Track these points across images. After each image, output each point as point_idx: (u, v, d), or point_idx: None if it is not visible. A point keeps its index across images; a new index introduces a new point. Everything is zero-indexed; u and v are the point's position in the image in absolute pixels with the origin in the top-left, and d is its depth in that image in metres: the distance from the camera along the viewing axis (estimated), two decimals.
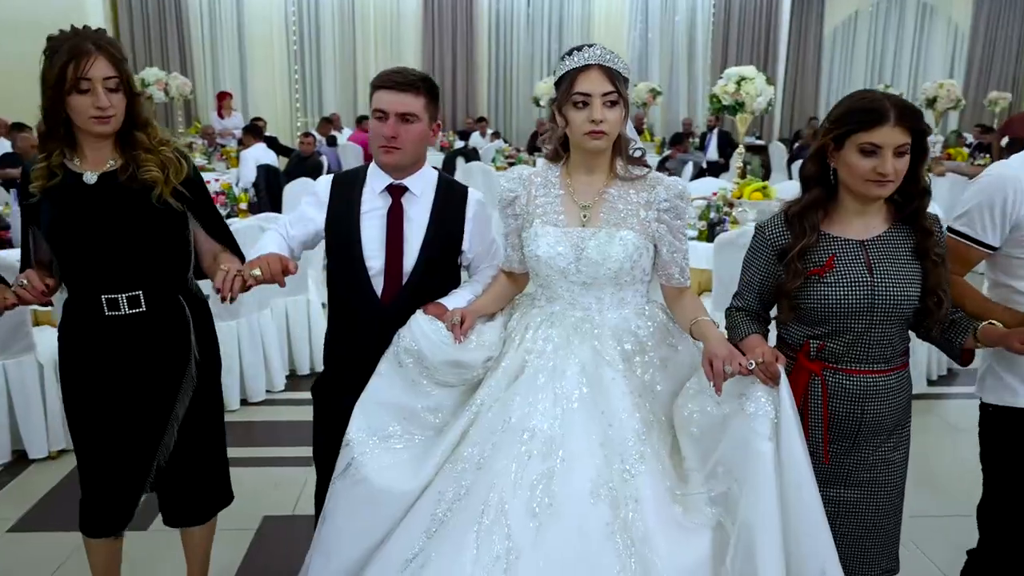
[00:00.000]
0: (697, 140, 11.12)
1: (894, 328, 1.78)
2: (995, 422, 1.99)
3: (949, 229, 1.96)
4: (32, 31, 11.01)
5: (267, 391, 4.18)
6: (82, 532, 2.16)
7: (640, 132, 11.93)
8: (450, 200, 2.12)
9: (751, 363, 1.65)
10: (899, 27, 14.35)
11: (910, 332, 1.88)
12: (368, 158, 2.24)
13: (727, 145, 10.35)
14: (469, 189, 2.18)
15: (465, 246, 2.14)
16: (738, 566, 1.61)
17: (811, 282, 1.75)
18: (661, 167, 8.21)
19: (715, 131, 11.18)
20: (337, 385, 2.14)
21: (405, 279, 2.06)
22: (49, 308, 3.35)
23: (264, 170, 6.95)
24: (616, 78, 1.81)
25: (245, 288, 1.86)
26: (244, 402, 4.08)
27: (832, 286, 1.74)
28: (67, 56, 1.83)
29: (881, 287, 1.73)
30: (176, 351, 2.08)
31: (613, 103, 1.80)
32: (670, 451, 1.79)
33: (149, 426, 2.09)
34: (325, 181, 2.17)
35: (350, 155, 9.66)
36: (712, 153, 10.72)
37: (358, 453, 1.90)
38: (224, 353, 3.84)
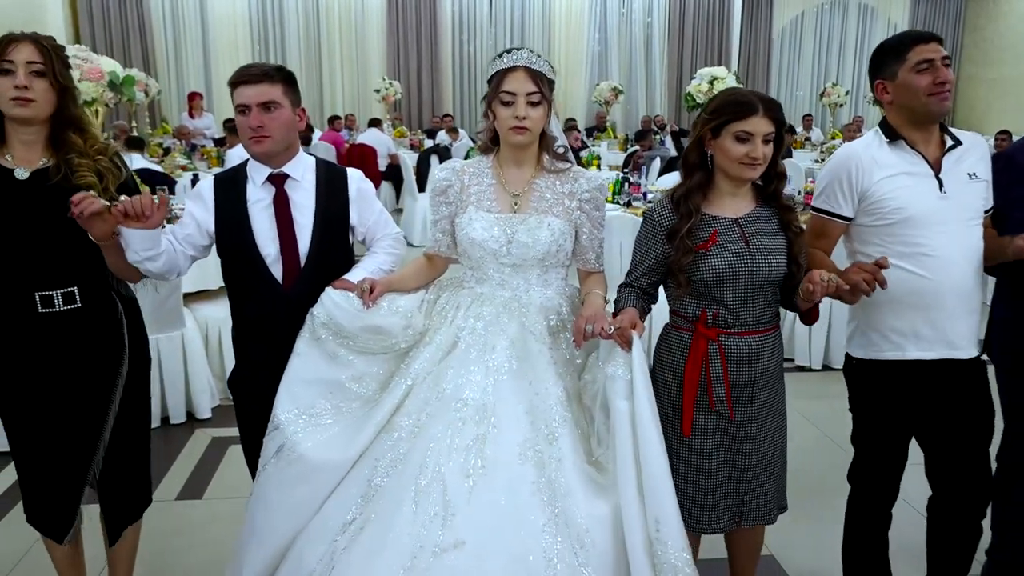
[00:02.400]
0: (660, 136, 11.52)
1: (770, 292, 2.01)
2: (859, 372, 2.22)
3: (811, 207, 2.22)
4: None
5: None
6: (29, 522, 2.17)
7: (603, 130, 12.33)
8: (331, 180, 2.19)
9: (611, 328, 1.83)
10: (843, 27, 15.02)
11: None
12: (342, 158, 2.34)
13: (680, 142, 10.79)
14: (347, 169, 2.26)
15: (354, 221, 2.22)
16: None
17: (698, 256, 1.95)
18: (629, 163, 8.59)
19: (667, 129, 11.63)
20: (253, 377, 2.17)
21: (302, 262, 2.11)
22: None
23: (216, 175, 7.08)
24: (540, 80, 1.96)
25: (103, 211, 1.85)
26: None
27: (717, 258, 1.95)
28: None
29: (758, 256, 1.96)
30: (110, 347, 2.10)
31: (536, 103, 1.95)
32: (587, 424, 1.96)
33: (87, 423, 2.08)
34: (207, 183, 2.18)
35: (322, 154, 9.80)
36: (669, 150, 11.15)
37: (290, 433, 1.95)
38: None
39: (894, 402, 2.17)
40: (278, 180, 2.12)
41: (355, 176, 2.24)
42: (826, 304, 4.43)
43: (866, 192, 2.09)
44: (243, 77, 2.06)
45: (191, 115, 10.61)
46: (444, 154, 9.83)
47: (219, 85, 12.98)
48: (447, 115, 12.56)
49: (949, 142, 2.12)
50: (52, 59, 1.95)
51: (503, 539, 1.72)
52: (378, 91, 12.27)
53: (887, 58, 2.11)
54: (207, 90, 12.66)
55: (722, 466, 2.02)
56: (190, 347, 3.84)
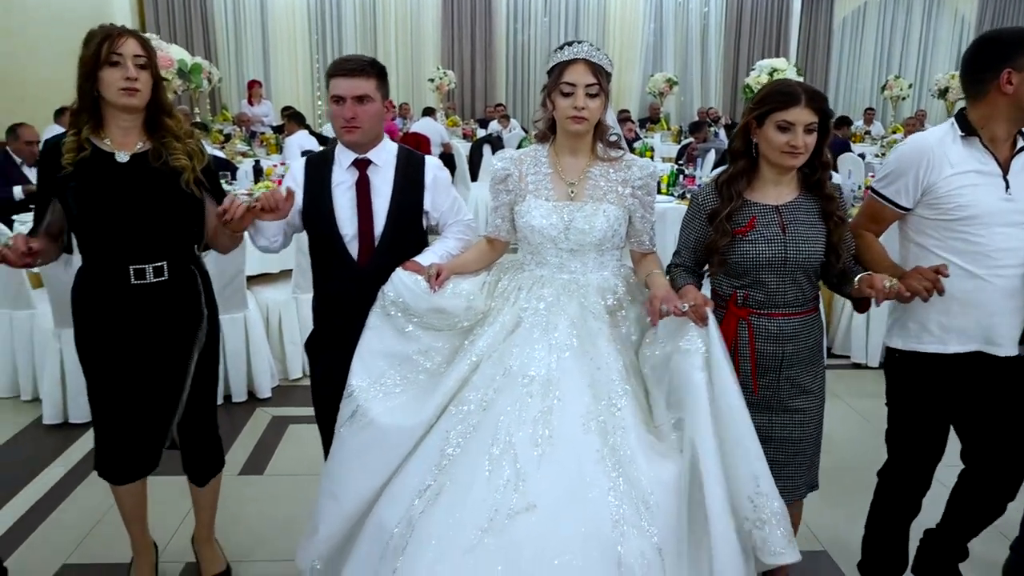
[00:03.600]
0: (714, 129, 11.39)
1: (804, 278, 2.07)
2: (900, 365, 2.24)
3: (871, 189, 2.24)
4: (61, 23, 11.38)
5: None
6: (106, 480, 2.34)
7: (656, 121, 12.22)
8: (410, 168, 2.33)
9: (684, 306, 1.91)
10: (907, 18, 14.61)
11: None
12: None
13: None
14: (426, 157, 2.39)
15: (427, 207, 2.35)
16: (686, 481, 1.88)
17: (736, 240, 2.05)
18: (682, 155, 8.53)
19: (720, 121, 11.48)
20: (327, 341, 2.37)
21: (377, 242, 2.27)
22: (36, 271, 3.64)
23: (307, 155, 7.24)
24: (599, 72, 2.04)
25: (247, 211, 2.10)
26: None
27: (752, 243, 2.04)
28: (102, 36, 2.06)
29: (792, 244, 2.04)
30: (190, 315, 2.28)
31: (594, 94, 2.03)
32: (645, 396, 2.04)
33: (170, 384, 2.27)
34: (299, 163, 2.38)
35: None
36: (724, 142, 11.02)
37: (362, 400, 2.08)
38: (301, 322, 4.17)
39: (933, 394, 2.18)
40: (361, 165, 2.28)
41: (432, 164, 2.37)
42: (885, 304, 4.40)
43: (932, 187, 2.09)
44: (340, 70, 2.20)
45: (250, 102, 10.84)
46: (496, 143, 9.86)
47: (277, 73, 13.24)
48: (499, 105, 12.59)
49: (1020, 143, 2.09)
50: (152, 52, 2.12)
51: (572, 503, 1.80)
52: (432, 80, 12.36)
53: (1006, 46, 2.02)
54: (265, 78, 12.91)
55: None
56: (252, 329, 3.95)
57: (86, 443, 3.49)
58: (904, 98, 12.79)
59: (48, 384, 3.65)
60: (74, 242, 2.24)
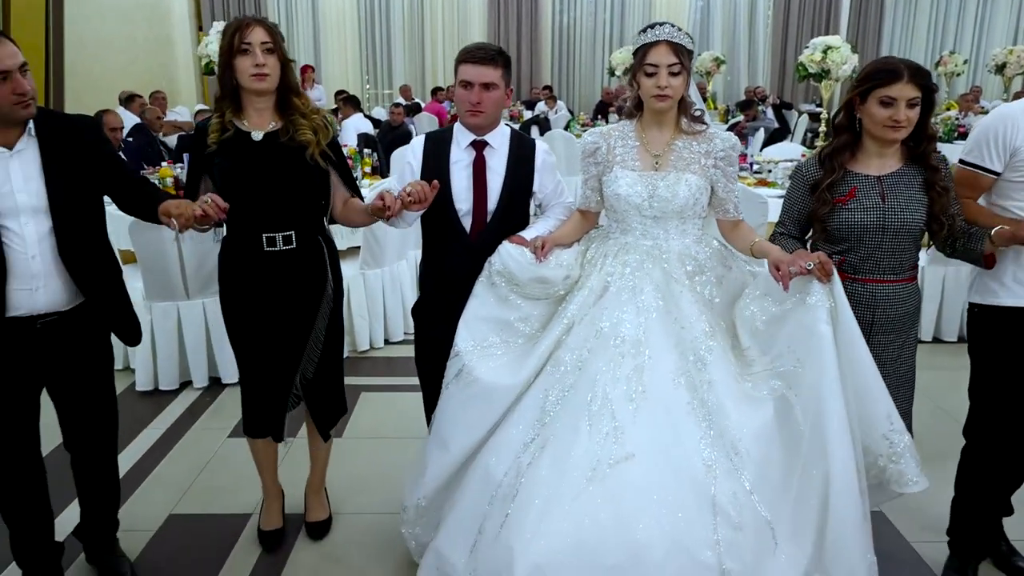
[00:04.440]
0: (762, 108, 11.32)
1: (901, 246, 2.18)
2: (980, 320, 2.33)
3: (960, 161, 2.30)
4: (124, 14, 11.66)
5: (404, 332, 4.68)
6: (245, 434, 2.61)
7: (704, 100, 12.19)
8: (522, 151, 2.47)
9: (809, 264, 2.02)
10: None
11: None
12: (441, 127, 2.62)
13: (782, 113, 10.58)
14: (536, 141, 2.53)
15: (536, 188, 2.49)
16: (808, 425, 2.00)
17: (836, 208, 2.17)
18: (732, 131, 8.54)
19: (768, 100, 11.40)
20: (433, 307, 2.52)
21: (489, 218, 2.42)
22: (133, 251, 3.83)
23: (363, 138, 7.45)
24: (680, 52, 2.16)
25: (403, 206, 2.22)
26: (386, 341, 4.62)
27: (853, 211, 2.17)
28: (234, 28, 2.25)
29: (891, 213, 2.15)
30: (317, 280, 2.45)
31: (676, 72, 2.16)
32: (732, 351, 2.17)
33: (295, 342, 2.46)
34: (419, 139, 2.53)
35: (426, 125, 10.12)
36: (773, 121, 10.95)
37: (467, 360, 2.27)
38: (369, 297, 4.40)
39: (1012, 346, 2.25)
40: (479, 146, 2.43)
41: (542, 149, 2.52)
42: (937, 277, 4.44)
43: (1018, 149, 2.18)
44: (471, 57, 2.35)
45: (303, 87, 11.07)
46: (544, 125, 9.98)
47: (327, 58, 13.50)
48: (547, 87, 12.68)
49: None
50: (277, 38, 2.29)
51: (666, 451, 1.98)
52: None
53: None
54: (316, 63, 13.17)
55: None
56: None
57: (177, 408, 3.77)
58: (959, 74, 12.54)
59: (140, 353, 3.92)
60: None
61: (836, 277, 2.04)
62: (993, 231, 2.10)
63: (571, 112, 11.96)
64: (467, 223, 2.42)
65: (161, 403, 3.82)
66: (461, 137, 2.44)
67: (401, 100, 9.24)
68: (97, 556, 2.55)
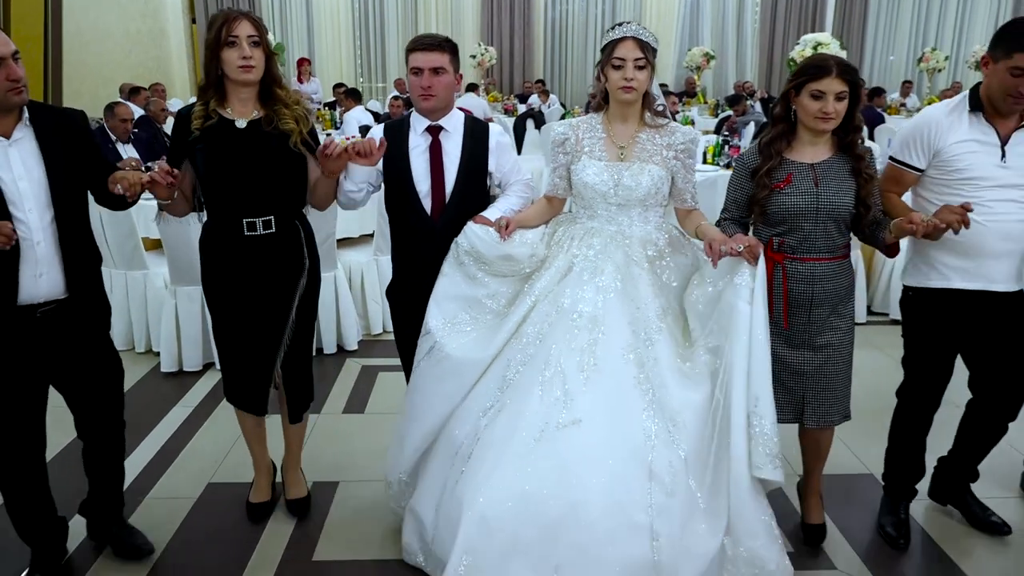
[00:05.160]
0: (751, 102, 11.54)
1: (834, 228, 2.35)
2: (912, 300, 2.56)
3: (890, 158, 2.51)
4: (112, 5, 11.72)
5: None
6: (233, 404, 2.69)
7: (693, 95, 12.40)
8: (476, 134, 2.58)
9: (740, 247, 2.20)
10: None
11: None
12: None
13: (769, 107, 10.79)
14: (490, 124, 2.66)
15: (493, 168, 2.60)
16: (723, 393, 2.21)
17: (775, 193, 2.34)
18: (720, 128, 8.76)
19: (756, 95, 11.63)
20: (404, 286, 2.64)
21: (447, 198, 2.53)
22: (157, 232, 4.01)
23: (364, 130, 7.60)
24: (646, 48, 2.31)
25: (343, 151, 2.34)
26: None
27: (789, 195, 2.33)
28: (221, 21, 2.33)
29: (824, 197, 2.31)
30: (293, 265, 2.54)
31: (642, 67, 2.31)
32: (680, 332, 2.34)
33: (275, 323, 2.55)
34: (377, 130, 2.61)
35: None
36: (762, 115, 11.17)
37: (439, 337, 2.41)
38: (382, 282, 4.54)
39: (941, 325, 2.49)
40: (434, 131, 2.54)
41: (495, 131, 2.65)
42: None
43: (939, 151, 2.39)
44: (419, 45, 2.49)
45: (300, 80, 11.19)
46: (539, 118, 10.14)
47: (321, 52, 13.59)
48: (539, 80, 12.84)
49: None
50: (263, 31, 2.39)
51: (611, 419, 2.16)
52: (474, 57, 12.63)
53: (1002, 42, 2.28)
54: (310, 57, 13.25)
55: (780, 366, 2.37)
56: (341, 287, 4.35)
57: (202, 387, 3.93)
58: (940, 70, 12.83)
59: (165, 336, 4.07)
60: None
61: (762, 264, 2.22)
62: (892, 222, 2.28)
63: (563, 106, 12.13)
64: (428, 204, 2.54)
65: (186, 383, 3.98)
66: (417, 124, 2.55)
67: (398, 93, 9.35)
68: (105, 531, 2.61)
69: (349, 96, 8.33)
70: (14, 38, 2.20)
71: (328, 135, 6.13)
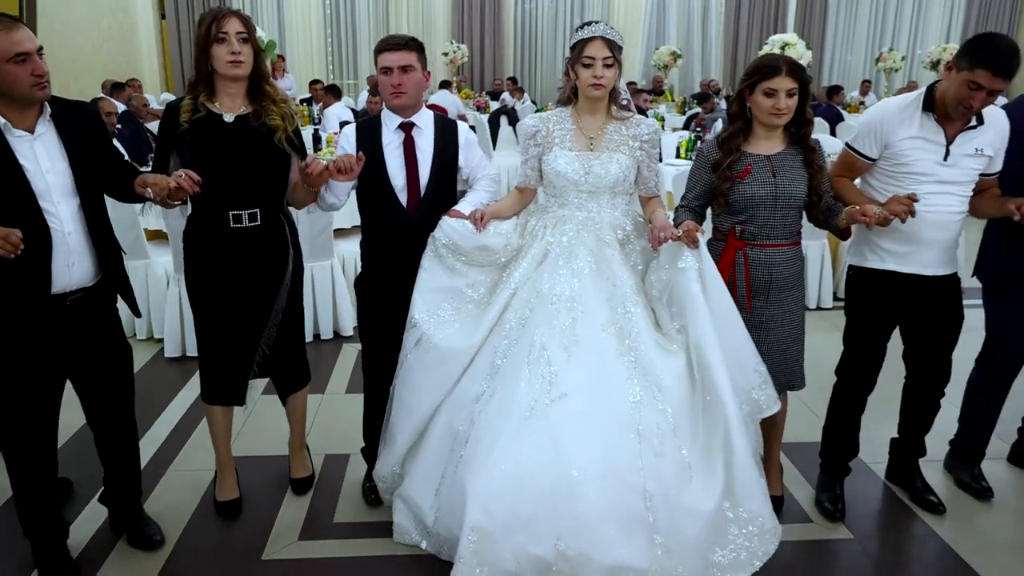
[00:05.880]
0: (717, 100, 11.87)
1: (790, 215, 2.54)
2: (853, 279, 2.76)
3: (846, 144, 2.70)
4: (94, 4, 11.60)
5: None
6: (204, 401, 2.73)
7: (660, 93, 12.72)
8: (446, 131, 2.70)
9: (679, 232, 2.36)
10: None
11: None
12: None
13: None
14: (457, 121, 2.77)
15: (462, 163, 2.72)
16: (698, 374, 2.34)
17: (736, 184, 2.51)
18: (689, 124, 9.06)
19: (721, 93, 11.97)
20: (374, 280, 2.70)
21: (422, 192, 2.63)
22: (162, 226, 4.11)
23: (344, 125, 7.74)
24: (613, 47, 2.44)
25: (324, 169, 2.42)
26: None
27: (749, 185, 2.50)
28: (211, 18, 2.40)
29: (781, 186, 2.49)
30: (278, 256, 2.60)
31: (609, 65, 2.45)
32: (653, 311, 2.48)
33: (258, 314, 2.60)
34: (350, 129, 2.70)
35: None
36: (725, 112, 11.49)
37: (425, 329, 2.51)
38: None
39: (876, 302, 2.70)
40: (407, 127, 2.66)
41: (464, 127, 2.78)
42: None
43: (889, 144, 2.58)
44: (388, 45, 2.60)
45: (274, 76, 11.18)
46: (512, 115, 10.33)
47: (293, 49, 13.60)
48: (511, 78, 13.04)
49: (973, 122, 2.54)
50: (251, 28, 2.46)
51: (596, 390, 2.30)
52: (446, 54, 12.78)
53: (968, 54, 2.41)
54: (282, 52, 13.26)
55: None
56: (337, 275, 4.51)
57: None
58: (897, 70, 13.30)
59: (169, 322, 4.21)
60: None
61: (703, 244, 2.40)
62: (845, 210, 2.48)
63: (534, 102, 12.33)
64: (403, 198, 2.63)
65: (189, 369, 4.10)
66: (390, 121, 2.65)
67: (375, 90, 9.50)
68: (123, 521, 2.67)
69: (328, 92, 8.44)
70: None
71: (315, 131, 6.25)
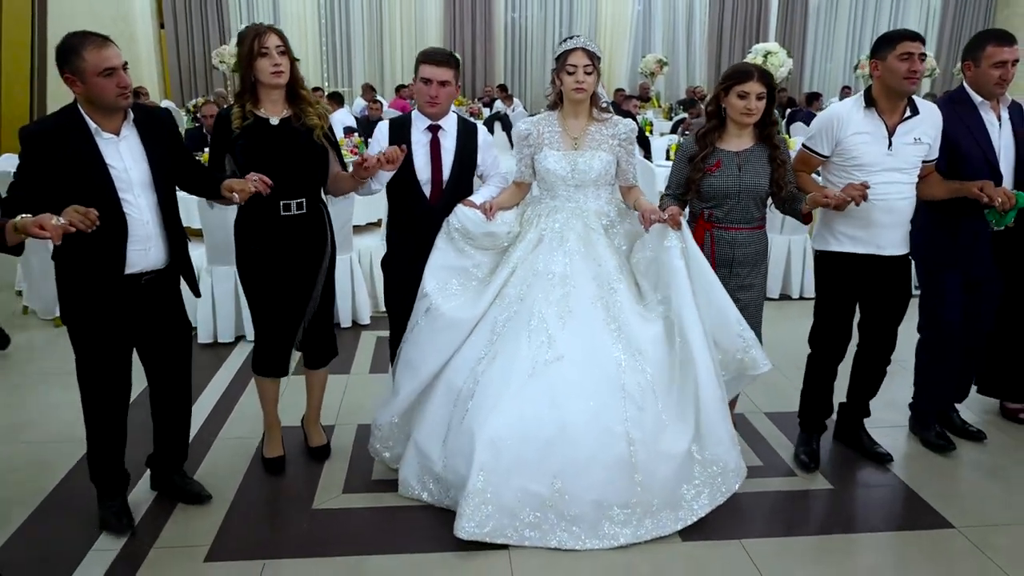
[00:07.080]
0: (701, 105, 12.27)
1: (752, 204, 2.89)
2: (819, 261, 3.12)
3: (803, 144, 3.03)
4: (91, 12, 11.90)
5: None
6: (255, 372, 3.09)
7: (647, 100, 13.11)
8: (467, 133, 3.08)
9: (665, 215, 2.69)
10: (876, 4, 15.58)
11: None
12: None
13: None
14: (477, 124, 3.16)
15: (479, 161, 3.10)
16: (678, 336, 2.70)
17: (707, 176, 2.87)
18: (676, 129, 9.46)
19: (706, 99, 12.37)
20: (400, 260, 3.09)
21: (444, 186, 3.01)
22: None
23: (346, 131, 8.07)
24: (592, 56, 2.80)
25: (379, 165, 2.75)
26: None
27: (718, 177, 2.86)
28: (253, 34, 2.72)
29: (745, 179, 2.85)
30: (321, 241, 2.95)
31: (590, 72, 2.80)
32: (635, 285, 2.84)
33: (303, 292, 2.94)
34: (384, 125, 3.10)
35: None
36: None
37: (434, 300, 2.87)
38: None
39: (839, 280, 3.06)
40: (434, 129, 3.03)
41: (482, 130, 3.19)
42: None
43: (839, 141, 2.93)
44: (430, 59, 2.95)
45: None
46: (505, 121, 10.68)
47: None
48: (501, 85, 13.38)
49: (908, 113, 2.90)
50: (287, 42, 2.80)
51: (587, 353, 2.69)
52: None
53: (883, 45, 2.85)
54: None
55: None
56: (355, 268, 4.87)
57: (237, 356, 4.43)
58: None
59: (202, 311, 4.53)
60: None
61: (685, 226, 2.75)
62: (807, 196, 2.82)
63: (526, 109, 12.67)
64: (427, 190, 3.01)
65: (222, 354, 4.46)
66: (419, 122, 3.02)
67: (377, 97, 9.84)
68: (167, 481, 2.94)
69: (332, 99, 8.77)
70: (5, 43, 2.50)
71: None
